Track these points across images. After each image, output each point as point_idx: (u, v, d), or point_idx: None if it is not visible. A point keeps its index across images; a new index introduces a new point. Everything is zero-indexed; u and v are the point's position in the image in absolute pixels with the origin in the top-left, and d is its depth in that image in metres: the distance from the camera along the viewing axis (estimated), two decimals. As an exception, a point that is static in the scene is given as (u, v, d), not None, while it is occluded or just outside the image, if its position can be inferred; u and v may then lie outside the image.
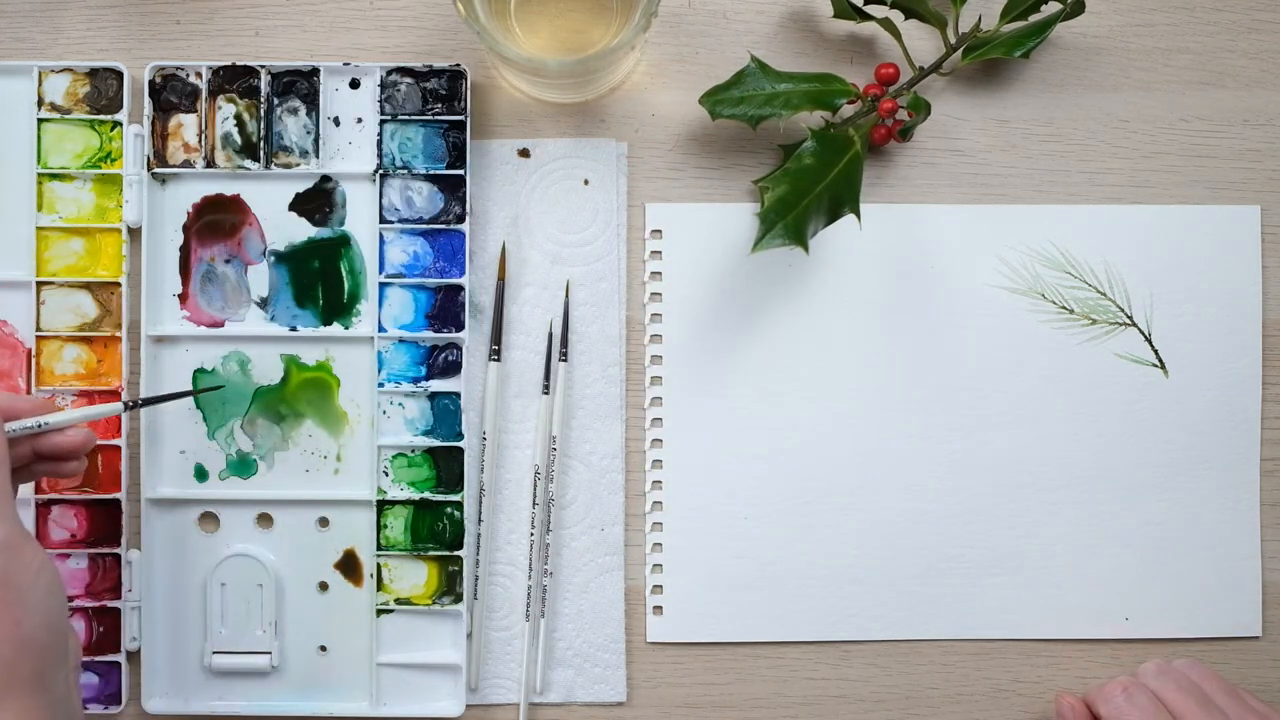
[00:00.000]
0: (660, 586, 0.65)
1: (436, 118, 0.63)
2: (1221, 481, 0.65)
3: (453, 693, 0.63)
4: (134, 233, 0.63)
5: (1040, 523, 0.65)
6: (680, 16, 0.65)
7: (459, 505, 0.63)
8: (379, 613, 0.63)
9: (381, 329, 0.63)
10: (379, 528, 0.63)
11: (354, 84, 0.64)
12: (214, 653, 0.63)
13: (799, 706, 0.65)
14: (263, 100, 0.63)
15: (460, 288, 0.63)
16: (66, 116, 0.63)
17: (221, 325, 0.64)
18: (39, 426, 0.54)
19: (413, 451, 0.63)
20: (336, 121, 0.64)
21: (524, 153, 0.65)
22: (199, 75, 0.63)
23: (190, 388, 0.63)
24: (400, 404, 0.63)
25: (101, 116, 0.63)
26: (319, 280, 0.64)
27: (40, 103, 0.63)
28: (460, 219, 0.63)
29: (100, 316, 0.63)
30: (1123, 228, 0.65)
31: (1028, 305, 0.65)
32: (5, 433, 0.52)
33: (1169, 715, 0.60)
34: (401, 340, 0.63)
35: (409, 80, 0.63)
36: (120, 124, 0.63)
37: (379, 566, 0.63)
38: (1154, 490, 0.65)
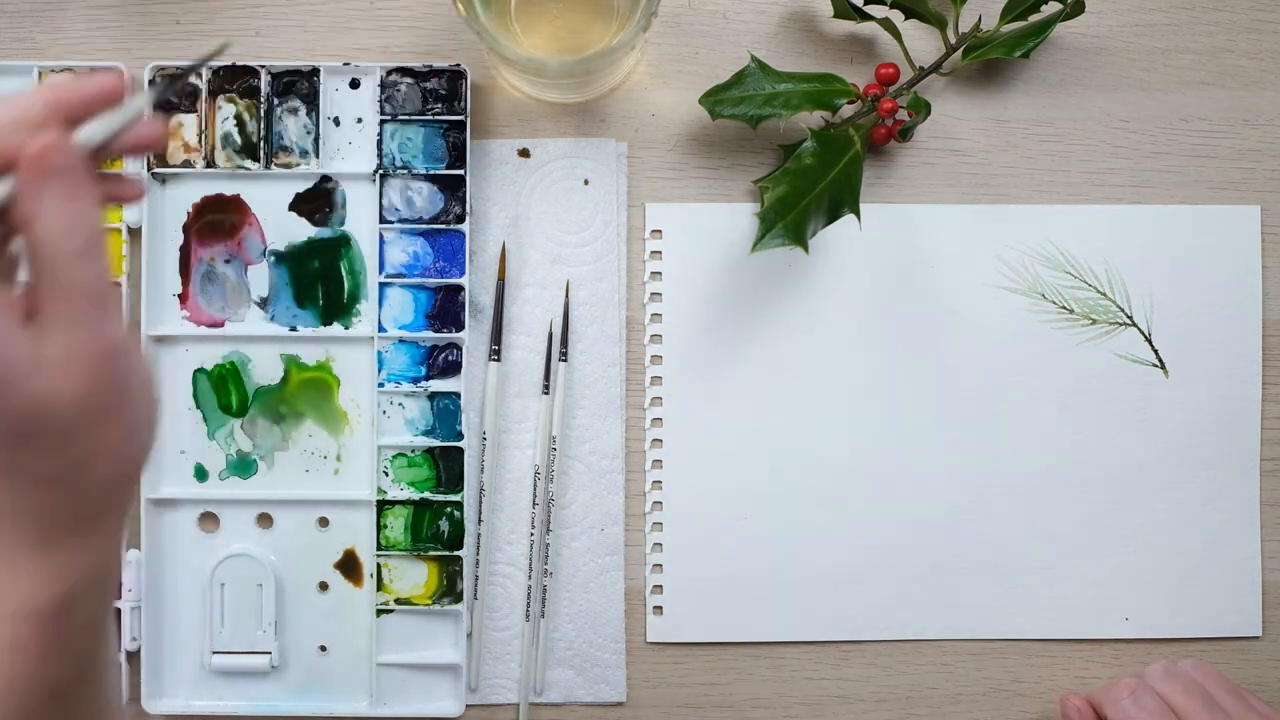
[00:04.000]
0: (660, 586, 0.65)
1: (436, 118, 0.63)
2: (1221, 481, 0.65)
3: (453, 693, 0.63)
4: (134, 233, 0.63)
5: (1040, 523, 0.65)
6: (680, 16, 0.65)
7: (459, 505, 0.63)
8: (379, 613, 0.63)
9: (381, 329, 0.63)
10: (379, 528, 0.63)
11: (354, 84, 0.64)
12: (214, 653, 0.63)
13: (799, 706, 0.65)
14: (263, 100, 0.63)
15: (460, 288, 0.63)
16: (66, 116, 0.63)
17: (221, 325, 0.64)
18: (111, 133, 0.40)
19: (413, 451, 0.63)
20: (336, 121, 0.64)
21: (524, 153, 0.65)
22: (199, 75, 0.63)
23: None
24: (400, 404, 0.63)
25: (101, 116, 0.63)
26: (319, 280, 0.64)
27: (40, 103, 0.63)
28: (460, 219, 0.63)
29: (100, 316, 0.63)
30: (1123, 228, 0.65)
31: (1028, 305, 0.65)
32: (85, 165, 0.39)
33: (1175, 718, 0.60)
34: (401, 340, 0.63)
35: (409, 80, 0.63)
36: (120, 124, 0.63)
37: (379, 566, 0.63)
38: (1154, 490, 0.65)
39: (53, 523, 0.40)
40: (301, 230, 0.64)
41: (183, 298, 0.64)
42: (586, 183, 0.65)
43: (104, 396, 0.39)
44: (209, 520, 0.64)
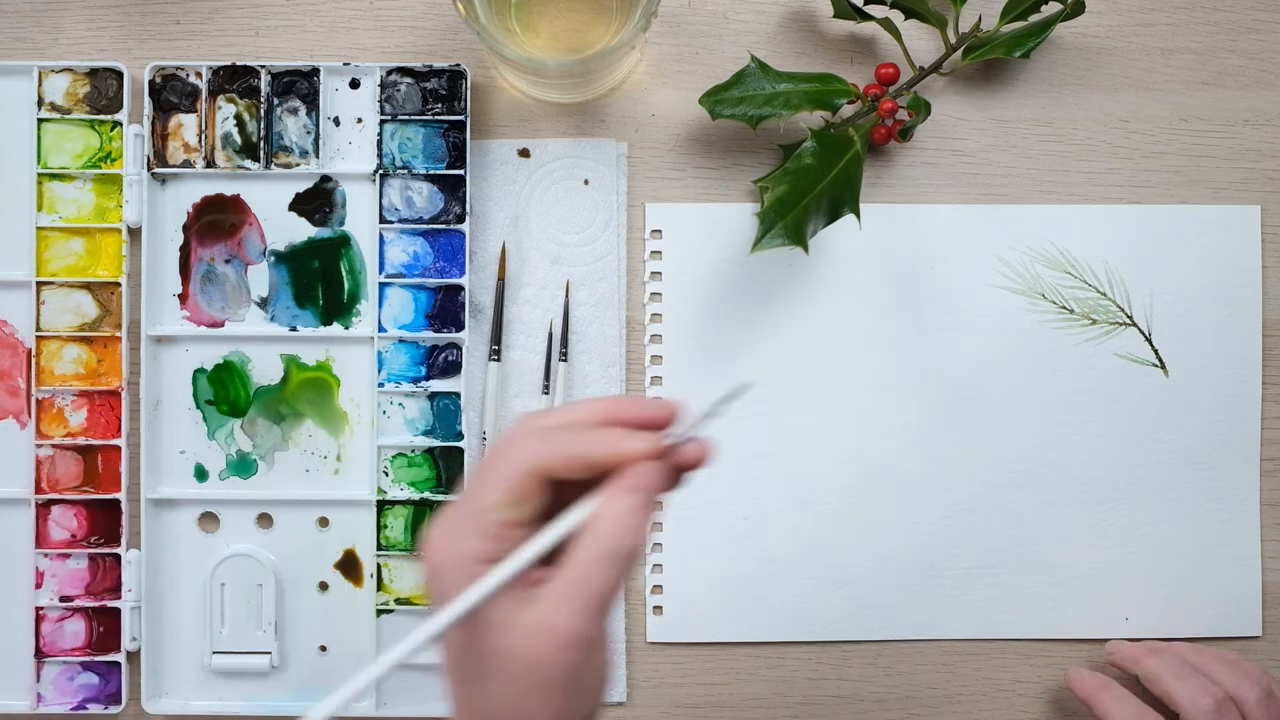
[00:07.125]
0: (660, 586, 0.65)
1: (436, 118, 0.63)
2: (1221, 481, 0.65)
3: (453, 693, 0.63)
4: (134, 233, 0.63)
5: (1040, 523, 0.65)
6: (680, 16, 0.65)
7: (459, 505, 0.63)
8: (379, 613, 0.63)
9: (381, 329, 0.63)
10: (379, 528, 0.63)
11: (354, 84, 0.64)
12: (214, 653, 0.63)
13: (799, 706, 0.65)
14: (263, 100, 0.63)
15: (460, 288, 0.63)
16: (66, 116, 0.63)
17: (221, 325, 0.64)
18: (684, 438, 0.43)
19: (413, 451, 0.63)
20: (336, 121, 0.64)
21: (524, 153, 0.65)
22: (199, 75, 0.63)
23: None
24: (400, 404, 0.63)
25: (101, 116, 0.63)
26: (319, 280, 0.64)
27: (40, 103, 0.63)
28: (460, 219, 0.63)
29: (100, 316, 0.63)
30: (1123, 228, 0.65)
31: (1028, 305, 0.65)
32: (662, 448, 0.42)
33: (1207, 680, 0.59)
34: (401, 340, 0.63)
35: (409, 80, 0.63)
36: (120, 124, 0.63)
37: (379, 566, 0.63)
38: (1154, 490, 0.65)
39: None
40: (301, 230, 0.64)
41: (183, 298, 0.64)
42: (586, 183, 0.65)
43: (548, 673, 0.41)
44: (209, 520, 0.64)
